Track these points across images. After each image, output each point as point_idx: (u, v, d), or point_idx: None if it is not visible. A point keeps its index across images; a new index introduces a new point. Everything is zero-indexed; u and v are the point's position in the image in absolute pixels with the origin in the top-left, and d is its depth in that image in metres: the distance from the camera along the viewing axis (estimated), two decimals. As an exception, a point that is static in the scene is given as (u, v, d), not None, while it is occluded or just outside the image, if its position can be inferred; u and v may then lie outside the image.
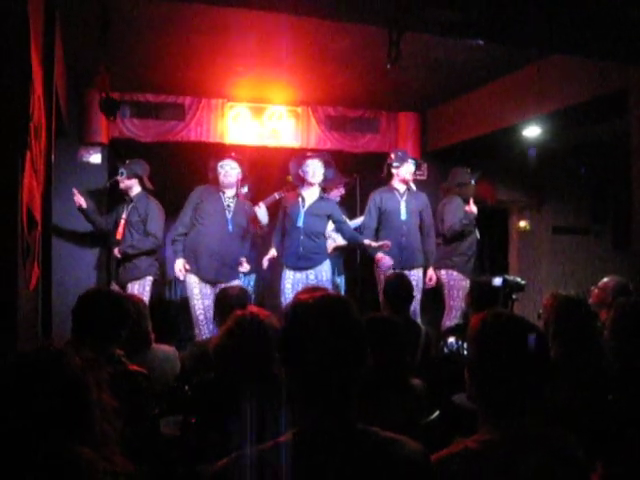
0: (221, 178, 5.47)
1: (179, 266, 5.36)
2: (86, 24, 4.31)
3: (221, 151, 5.79)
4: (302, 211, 5.52)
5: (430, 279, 5.98)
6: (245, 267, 5.52)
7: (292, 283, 5.45)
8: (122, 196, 5.80)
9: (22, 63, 2.50)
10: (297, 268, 5.49)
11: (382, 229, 5.86)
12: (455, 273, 6.00)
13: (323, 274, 5.58)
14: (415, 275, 5.80)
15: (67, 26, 4.36)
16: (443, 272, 6.05)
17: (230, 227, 5.45)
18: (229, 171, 5.46)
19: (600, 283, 4.37)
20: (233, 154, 5.62)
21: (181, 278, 5.42)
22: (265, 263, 5.54)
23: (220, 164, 5.48)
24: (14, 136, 2.45)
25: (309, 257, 5.53)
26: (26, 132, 2.53)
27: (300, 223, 5.49)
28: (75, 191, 5.60)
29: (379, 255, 5.61)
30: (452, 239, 6.02)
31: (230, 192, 5.54)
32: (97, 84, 4.31)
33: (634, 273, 4.82)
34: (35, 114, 2.74)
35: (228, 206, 5.50)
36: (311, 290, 1.48)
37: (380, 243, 5.53)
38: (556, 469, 1.58)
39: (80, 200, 5.60)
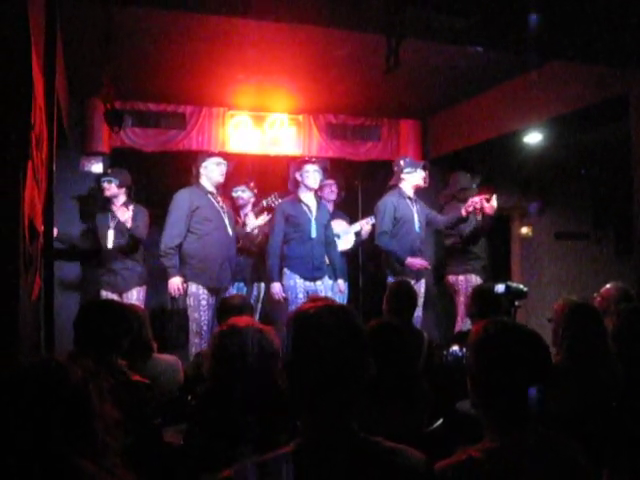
0: (216, 177, 5.30)
1: (177, 283, 5.04)
2: (88, 34, 4.33)
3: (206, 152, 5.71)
4: (313, 221, 5.47)
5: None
6: None
7: (303, 293, 5.36)
8: (102, 204, 5.75)
9: (23, 73, 2.49)
10: (312, 279, 5.43)
11: (397, 236, 5.67)
12: (474, 277, 5.96)
13: (328, 281, 5.60)
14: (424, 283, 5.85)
15: (69, 36, 4.37)
16: (461, 278, 5.99)
17: (230, 231, 5.32)
18: (224, 169, 5.33)
19: (602, 290, 4.35)
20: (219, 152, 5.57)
21: (177, 296, 5.10)
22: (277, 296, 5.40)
23: (217, 162, 5.32)
24: (15, 146, 2.45)
25: (322, 267, 5.51)
26: (27, 142, 2.53)
27: (314, 234, 5.43)
28: None
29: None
30: (469, 240, 6.02)
31: (215, 192, 5.37)
32: (102, 96, 4.33)
33: (636, 279, 4.80)
34: (36, 124, 2.74)
35: (222, 208, 5.35)
36: (314, 299, 1.48)
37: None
38: (560, 477, 1.58)
39: None
